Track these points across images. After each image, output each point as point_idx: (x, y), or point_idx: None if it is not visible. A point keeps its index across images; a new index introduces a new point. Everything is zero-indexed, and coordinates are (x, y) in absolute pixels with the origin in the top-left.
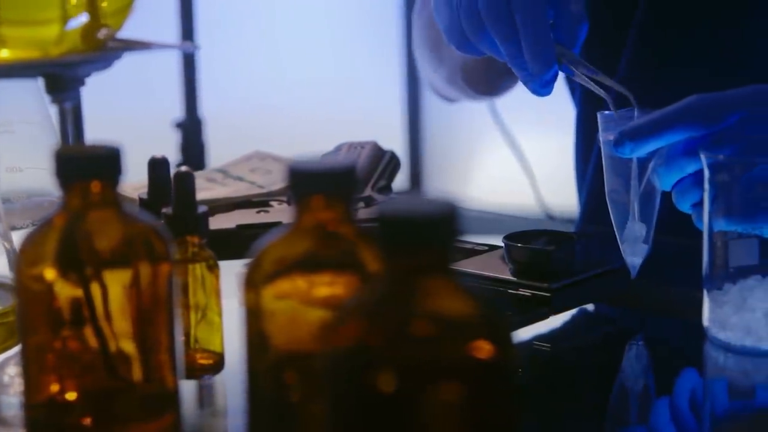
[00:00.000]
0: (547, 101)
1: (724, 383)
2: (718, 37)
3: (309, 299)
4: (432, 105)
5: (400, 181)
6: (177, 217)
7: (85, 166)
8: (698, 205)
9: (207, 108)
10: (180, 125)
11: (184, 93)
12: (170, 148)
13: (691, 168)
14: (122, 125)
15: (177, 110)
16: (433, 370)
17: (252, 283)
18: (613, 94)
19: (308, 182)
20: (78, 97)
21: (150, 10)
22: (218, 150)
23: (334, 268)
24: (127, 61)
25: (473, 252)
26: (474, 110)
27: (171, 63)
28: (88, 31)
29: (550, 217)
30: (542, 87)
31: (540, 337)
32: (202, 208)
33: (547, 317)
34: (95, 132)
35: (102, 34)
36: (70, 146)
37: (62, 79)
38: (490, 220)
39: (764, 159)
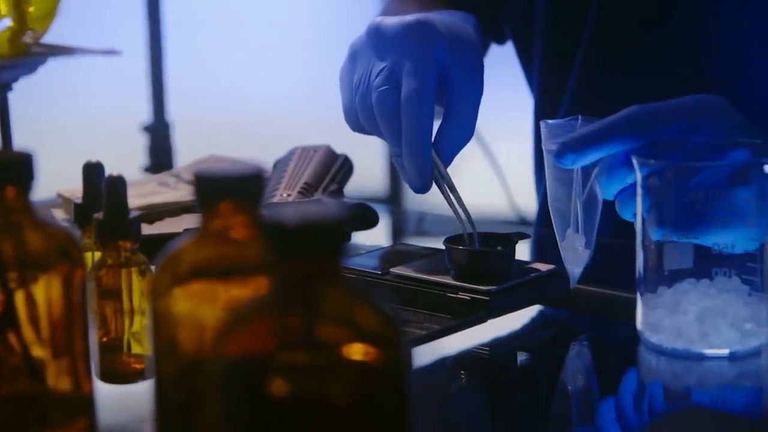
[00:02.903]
0: (521, 106)
1: (656, 386)
2: (670, 43)
3: (214, 304)
4: None
5: (380, 188)
6: (109, 222)
7: None
8: None
9: (175, 111)
10: (148, 129)
11: (152, 96)
12: (138, 152)
13: (631, 178)
14: (90, 129)
15: (145, 113)
16: (319, 376)
17: (158, 289)
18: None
19: (212, 188)
20: (5, 102)
21: (117, 14)
22: (186, 153)
23: (239, 273)
24: (96, 64)
25: (417, 255)
26: None
27: (139, 66)
28: (15, 36)
29: (523, 220)
30: (419, 188)
31: (480, 340)
32: (134, 213)
33: (486, 321)
34: (66, 135)
35: (29, 37)
36: None
37: None
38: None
39: (693, 164)
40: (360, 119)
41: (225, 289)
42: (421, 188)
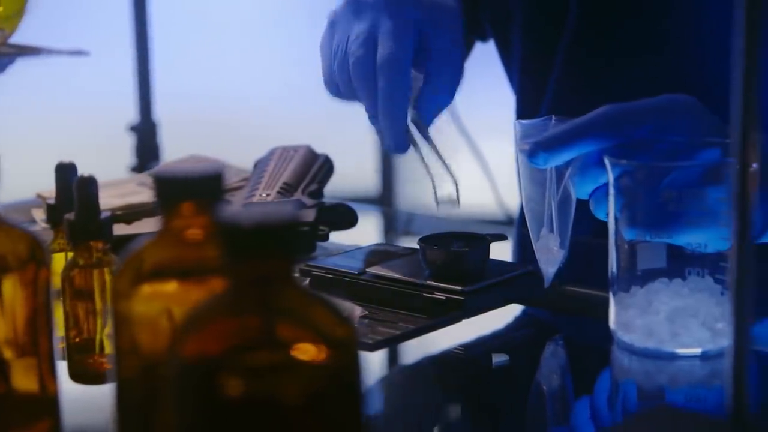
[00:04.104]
0: (509, 105)
1: (627, 385)
2: (652, 42)
3: (175, 305)
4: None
5: (372, 188)
6: (80, 222)
7: None
8: None
9: (162, 111)
10: (135, 128)
11: (139, 96)
12: (125, 152)
13: (605, 178)
14: (77, 129)
15: (131, 113)
16: (274, 377)
17: (119, 290)
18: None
19: (170, 189)
20: None
21: (104, 14)
22: (173, 153)
23: (200, 273)
24: (83, 64)
25: (396, 255)
26: (441, 120)
27: (126, 66)
28: None
29: (510, 219)
30: (394, 149)
31: (455, 340)
32: (105, 214)
33: (461, 320)
34: (53, 135)
35: None
36: None
37: None
38: (452, 224)
39: (665, 164)
40: (339, 85)
41: (186, 289)
42: (396, 147)
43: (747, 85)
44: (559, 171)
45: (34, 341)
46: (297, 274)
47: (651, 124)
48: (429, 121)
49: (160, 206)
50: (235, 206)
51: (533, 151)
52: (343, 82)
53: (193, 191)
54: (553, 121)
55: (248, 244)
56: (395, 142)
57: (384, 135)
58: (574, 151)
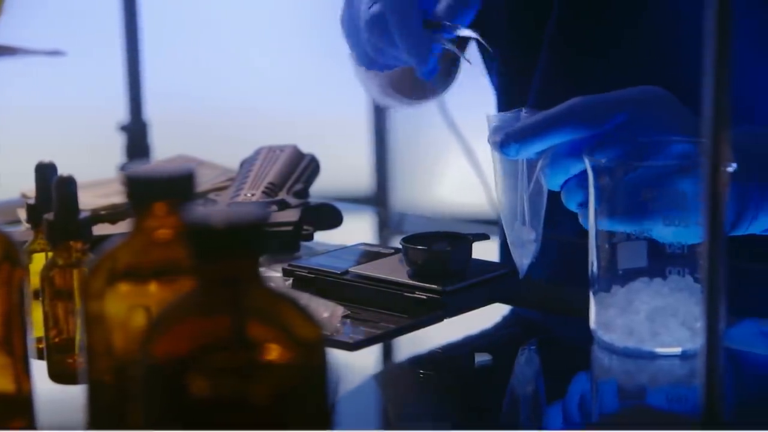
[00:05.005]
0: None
1: (607, 384)
2: (637, 41)
3: (147, 305)
4: (398, 113)
5: (367, 188)
6: (59, 222)
7: None
8: (584, 204)
9: (152, 111)
10: (125, 128)
11: (129, 96)
12: (115, 151)
13: (575, 169)
14: (67, 128)
15: (122, 113)
16: (242, 376)
17: (90, 291)
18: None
19: (143, 190)
20: None
21: (95, 14)
22: (163, 153)
23: (171, 274)
24: (74, 63)
25: (379, 255)
26: (435, 121)
27: (116, 65)
28: None
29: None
30: (428, 75)
31: (437, 339)
32: (84, 213)
33: (442, 320)
34: (43, 134)
35: None
36: None
37: None
38: (443, 225)
39: (644, 162)
40: (368, 51)
41: (158, 289)
42: (428, 68)
43: (718, 85)
44: (530, 163)
45: (9, 341)
46: (278, 274)
47: (624, 115)
48: (457, 20)
49: (132, 207)
50: (204, 207)
51: (505, 141)
52: (371, 43)
53: (164, 191)
54: (524, 114)
55: (215, 245)
56: (426, 68)
57: (415, 66)
58: (546, 142)
